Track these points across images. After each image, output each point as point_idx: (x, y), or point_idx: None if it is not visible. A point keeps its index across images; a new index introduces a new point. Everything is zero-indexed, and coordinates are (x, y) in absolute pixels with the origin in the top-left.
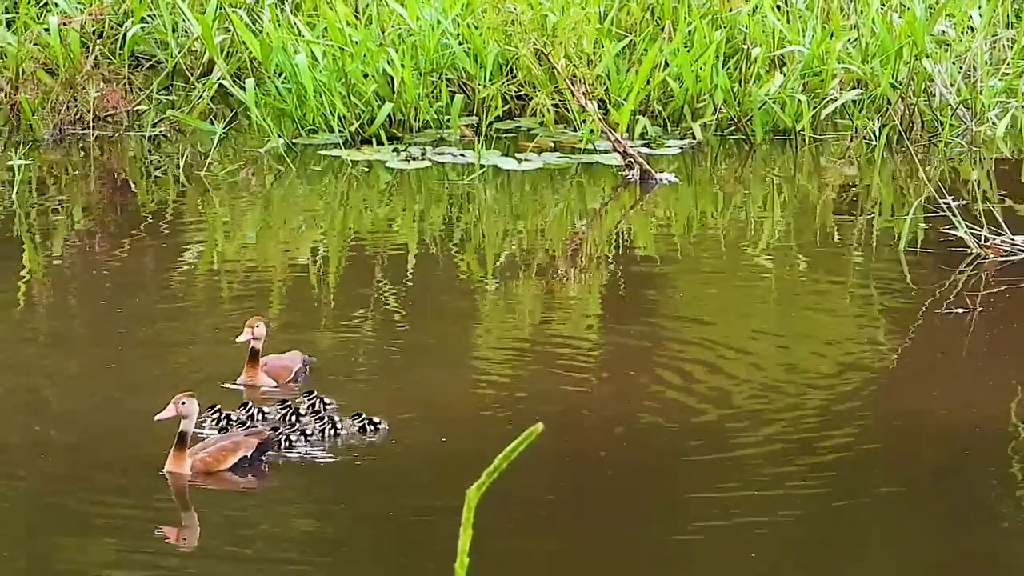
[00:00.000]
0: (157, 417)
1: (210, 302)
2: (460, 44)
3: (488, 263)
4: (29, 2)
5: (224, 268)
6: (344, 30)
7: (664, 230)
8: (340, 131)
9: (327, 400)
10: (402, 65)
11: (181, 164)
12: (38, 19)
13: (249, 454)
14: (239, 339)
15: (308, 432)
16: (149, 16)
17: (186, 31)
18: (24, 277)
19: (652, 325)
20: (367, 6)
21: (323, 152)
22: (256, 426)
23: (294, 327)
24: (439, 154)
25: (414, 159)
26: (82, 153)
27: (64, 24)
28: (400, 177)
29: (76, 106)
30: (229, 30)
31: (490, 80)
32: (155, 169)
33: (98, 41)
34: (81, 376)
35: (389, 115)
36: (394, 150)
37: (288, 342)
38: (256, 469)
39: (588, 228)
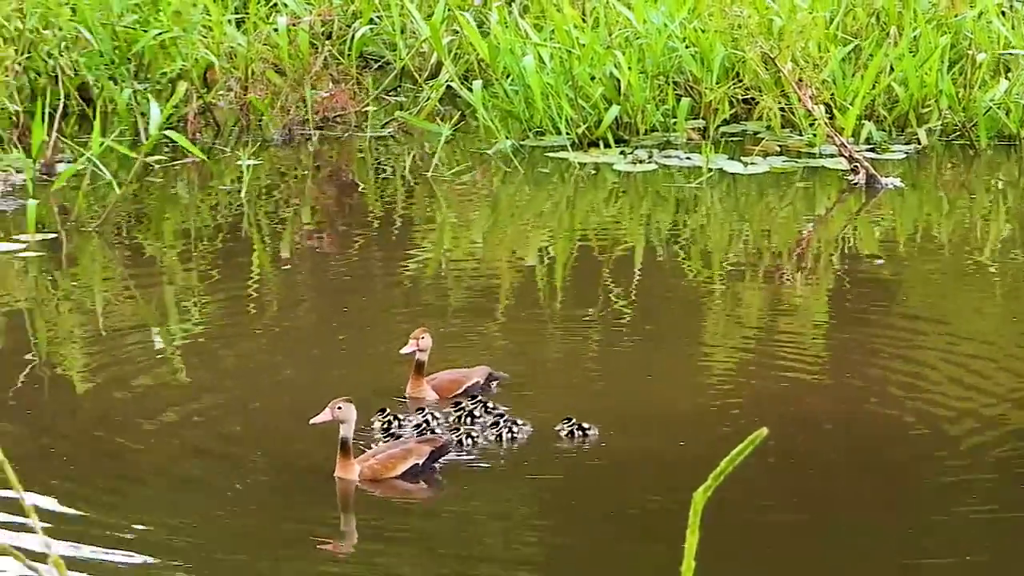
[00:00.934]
0: (312, 420)
1: (435, 304)
2: (687, 47)
3: (714, 266)
4: (259, 3)
5: (450, 270)
6: (571, 33)
7: (889, 235)
8: (567, 133)
9: (491, 406)
10: (629, 68)
11: (408, 165)
12: (267, 20)
13: (421, 461)
14: (403, 351)
15: (475, 436)
16: (377, 17)
17: (414, 32)
18: (252, 275)
19: (878, 329)
20: (594, 9)
21: (550, 154)
22: (430, 432)
23: (517, 330)
24: (665, 157)
25: (641, 162)
26: (310, 153)
27: (293, 25)
28: (627, 180)
29: (305, 106)
30: (457, 32)
31: (717, 83)
32: (382, 170)
33: (327, 42)
34: (297, 373)
35: (616, 118)
36: (621, 153)
37: (512, 344)
38: (429, 476)
39: (813, 232)
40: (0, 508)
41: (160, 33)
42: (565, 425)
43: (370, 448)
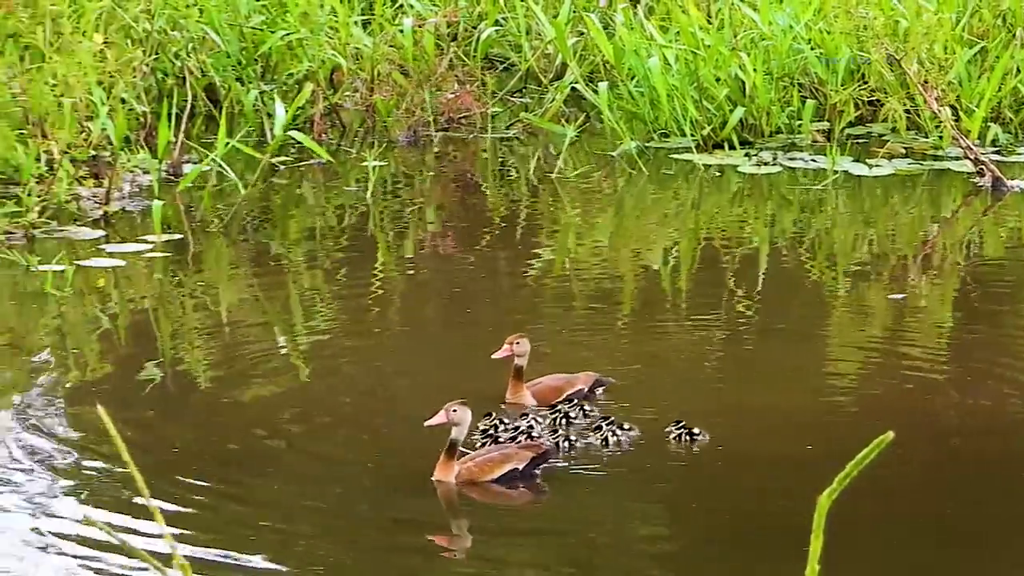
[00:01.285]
0: (427, 423)
1: (557, 305)
2: (812, 49)
3: (839, 268)
4: (385, 4)
5: (573, 271)
6: (696, 34)
7: (1015, 237)
8: (692, 135)
9: (588, 409)
10: (754, 70)
11: (532, 167)
12: (393, 21)
13: (521, 467)
14: (496, 355)
15: (573, 440)
16: (503, 19)
17: (539, 34)
18: (376, 276)
19: (1004, 330)
20: (719, 11)
21: (675, 156)
22: (530, 438)
23: (639, 331)
24: (790, 159)
25: (765, 164)
26: (435, 154)
27: (419, 26)
28: (751, 182)
29: (429, 108)
30: (582, 33)
31: (842, 85)
32: (506, 171)
33: (452, 43)
34: (416, 375)
35: (740, 119)
36: (745, 155)
37: (632, 345)
38: (530, 481)
39: (938, 234)
40: (125, 510)
41: (287, 34)
42: (674, 428)
43: (473, 451)
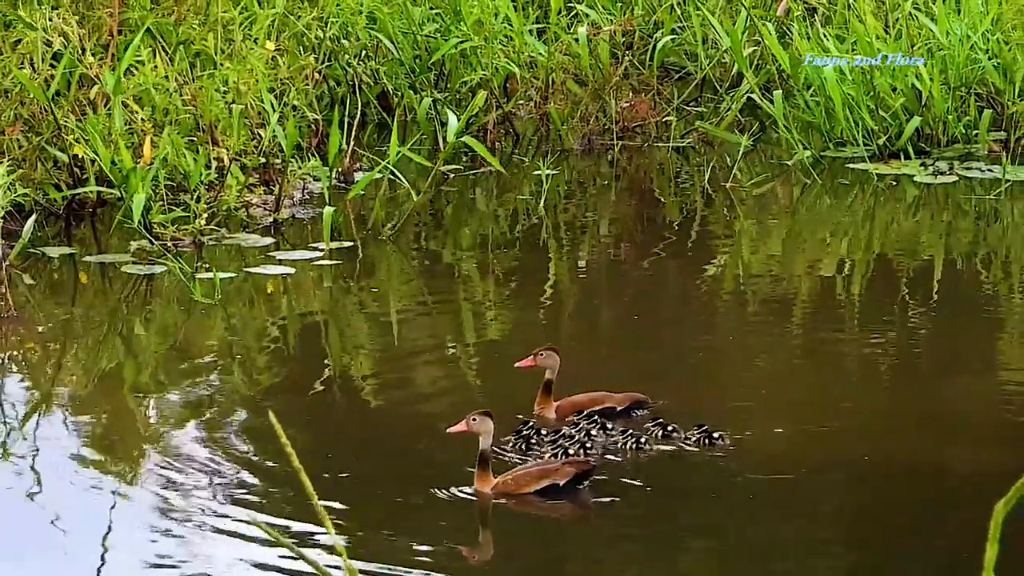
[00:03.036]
0: (450, 429)
1: (727, 315)
2: (989, 59)
3: (1013, 279)
4: (559, 13)
5: (748, 282)
6: (873, 44)
7: None
8: (867, 144)
9: (610, 425)
10: (931, 79)
11: (707, 176)
12: (568, 30)
13: (562, 482)
14: (518, 364)
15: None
16: (679, 27)
17: (715, 43)
18: (547, 286)
19: None
20: (897, 20)
21: (850, 165)
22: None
23: (809, 339)
24: (966, 169)
25: (941, 173)
26: (609, 163)
27: (594, 35)
28: (926, 192)
29: (604, 116)
30: (759, 42)
31: (1019, 96)
32: (682, 180)
33: (627, 52)
34: (575, 384)
35: (917, 129)
36: (921, 164)
37: (799, 353)
38: (579, 496)
39: None
40: (293, 515)
41: (461, 42)
42: (696, 432)
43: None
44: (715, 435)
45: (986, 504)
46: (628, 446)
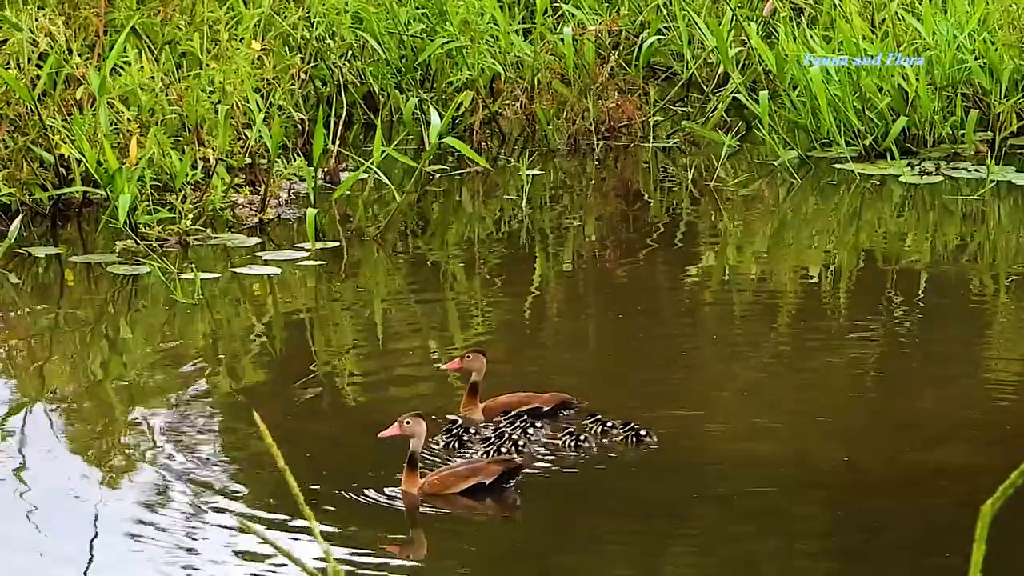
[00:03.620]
0: (381, 434)
1: (711, 317)
2: (976, 59)
3: (999, 279)
4: (545, 13)
5: (733, 282)
6: (859, 44)
7: None
8: (853, 145)
9: (539, 424)
10: (917, 79)
11: (692, 176)
12: (554, 30)
13: (488, 481)
14: (443, 366)
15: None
16: (665, 28)
17: (701, 43)
18: (532, 286)
19: None
20: (883, 21)
21: (837, 165)
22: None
23: (792, 339)
24: (953, 169)
25: (927, 174)
26: (595, 163)
27: (580, 35)
28: (913, 192)
29: (590, 116)
30: (744, 42)
31: (1005, 96)
32: (667, 180)
33: (613, 52)
34: (569, 380)
35: (903, 129)
36: (908, 165)
37: (781, 355)
38: (508, 493)
39: None
40: (282, 511)
41: (447, 42)
42: (623, 430)
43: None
44: (642, 432)
45: (973, 505)
46: (566, 444)
